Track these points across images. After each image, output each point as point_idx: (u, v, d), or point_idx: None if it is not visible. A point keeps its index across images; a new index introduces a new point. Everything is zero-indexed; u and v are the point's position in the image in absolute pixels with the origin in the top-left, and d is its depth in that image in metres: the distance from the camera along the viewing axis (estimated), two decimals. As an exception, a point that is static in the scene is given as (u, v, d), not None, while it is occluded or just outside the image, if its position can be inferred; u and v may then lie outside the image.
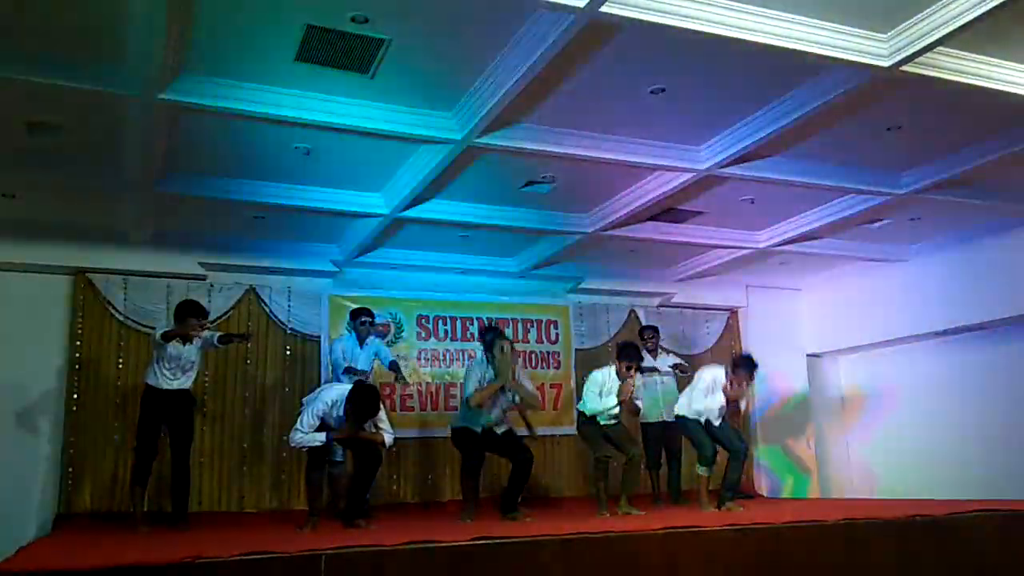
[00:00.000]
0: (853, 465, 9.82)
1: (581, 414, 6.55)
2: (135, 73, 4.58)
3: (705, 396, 6.37)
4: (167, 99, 4.82)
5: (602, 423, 6.39)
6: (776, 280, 9.80)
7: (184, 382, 6.23)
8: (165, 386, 6.14)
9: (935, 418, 8.79)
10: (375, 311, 7.21)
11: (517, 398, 6.33)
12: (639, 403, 6.57)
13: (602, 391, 6.34)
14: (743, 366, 6.32)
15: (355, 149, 5.81)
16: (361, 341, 6.92)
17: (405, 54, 4.71)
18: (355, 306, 7.31)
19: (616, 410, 6.36)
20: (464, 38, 4.56)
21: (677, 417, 6.61)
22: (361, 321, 6.92)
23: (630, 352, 6.33)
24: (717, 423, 6.41)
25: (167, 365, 6.14)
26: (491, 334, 6.36)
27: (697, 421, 6.43)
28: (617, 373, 6.33)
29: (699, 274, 9.10)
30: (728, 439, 6.37)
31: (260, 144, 5.71)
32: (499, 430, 6.28)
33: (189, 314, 6.13)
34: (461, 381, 6.97)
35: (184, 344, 6.16)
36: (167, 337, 6.04)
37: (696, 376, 6.60)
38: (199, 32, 4.41)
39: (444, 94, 5.23)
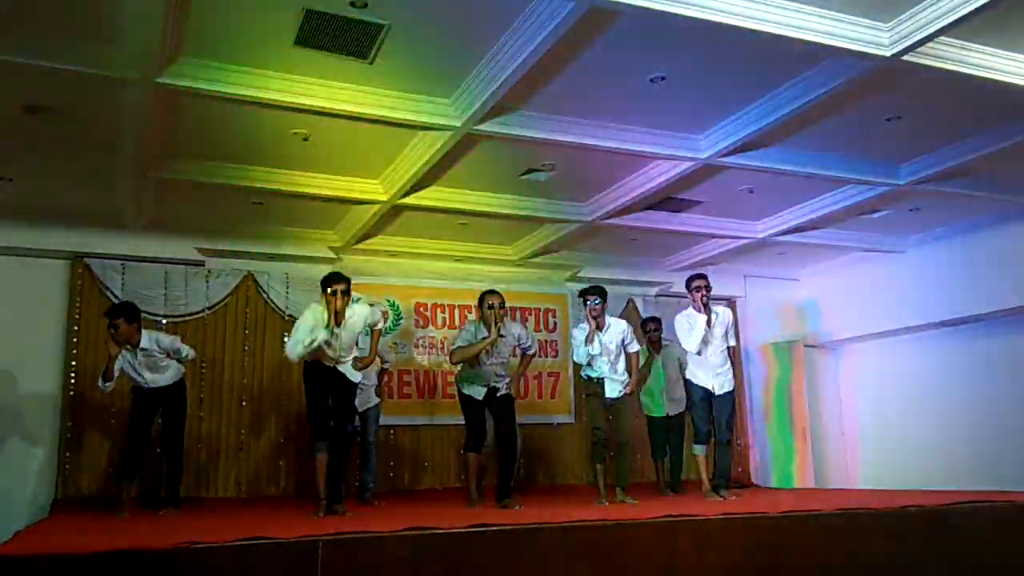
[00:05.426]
0: (849, 455, 9.84)
1: (588, 380, 6.32)
2: (133, 56, 4.56)
3: (697, 341, 6.30)
4: (165, 83, 4.80)
5: (607, 395, 6.19)
6: (774, 270, 9.81)
7: (160, 379, 6.21)
8: (145, 385, 6.19)
9: (933, 409, 8.80)
10: (373, 299, 7.16)
11: (511, 359, 6.19)
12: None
13: (583, 340, 6.20)
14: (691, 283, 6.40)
15: (354, 135, 5.80)
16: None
17: (404, 40, 4.69)
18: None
19: (610, 368, 6.19)
20: (464, 24, 4.54)
21: (689, 383, 6.53)
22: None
23: (589, 291, 6.25)
24: (723, 389, 6.33)
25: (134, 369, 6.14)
26: (483, 293, 6.18)
27: (704, 395, 6.35)
28: (588, 319, 6.23)
29: (697, 263, 9.09)
30: (721, 426, 6.34)
31: (258, 129, 5.69)
32: (499, 390, 6.09)
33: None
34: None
35: (134, 351, 6.06)
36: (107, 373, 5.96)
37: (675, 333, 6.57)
38: (197, 15, 4.38)
39: (443, 80, 5.21)
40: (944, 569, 4.46)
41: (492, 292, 6.13)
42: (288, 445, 7.75)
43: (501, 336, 6.07)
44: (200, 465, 7.43)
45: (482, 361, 6.08)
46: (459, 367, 6.30)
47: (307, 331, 5.32)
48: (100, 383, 6.04)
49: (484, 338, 6.00)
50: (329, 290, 5.35)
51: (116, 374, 5.98)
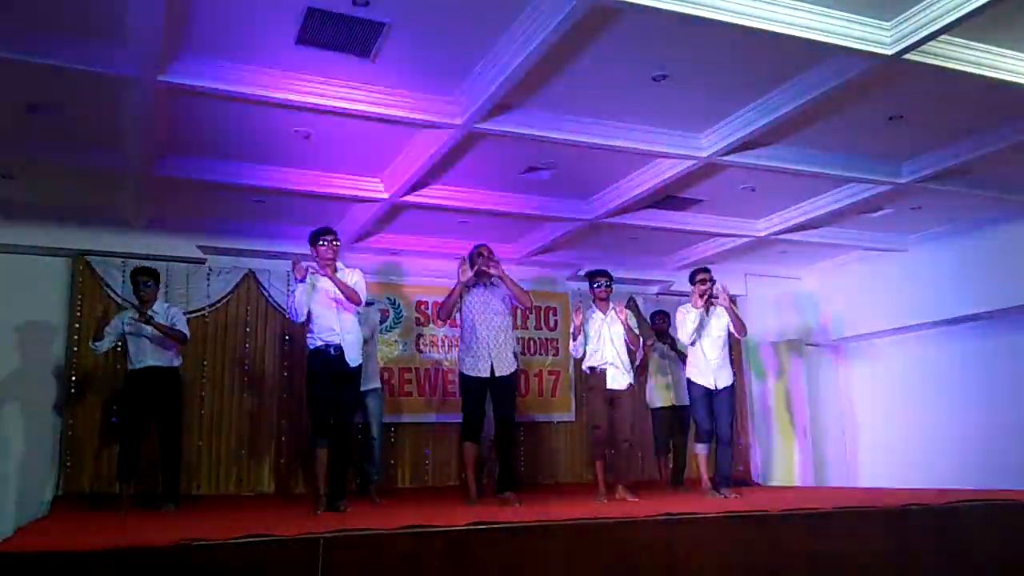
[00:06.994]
0: (850, 454, 9.84)
1: (590, 372, 6.32)
2: (134, 55, 4.56)
3: (691, 331, 6.37)
4: (167, 81, 4.80)
5: (609, 385, 6.19)
6: (776, 269, 9.80)
7: (161, 360, 6.27)
8: (138, 365, 6.24)
9: (934, 407, 8.80)
10: (375, 297, 7.12)
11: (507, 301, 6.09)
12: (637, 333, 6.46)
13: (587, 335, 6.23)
14: (692, 277, 6.49)
15: (355, 133, 5.80)
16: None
17: (406, 38, 4.69)
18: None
19: (614, 355, 6.21)
20: (465, 22, 4.54)
21: (689, 381, 6.56)
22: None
23: (595, 273, 6.37)
24: (725, 382, 6.36)
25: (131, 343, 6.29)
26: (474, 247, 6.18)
27: (703, 393, 6.37)
28: (594, 301, 6.34)
29: (698, 262, 9.06)
30: (721, 423, 6.36)
31: (260, 127, 5.69)
32: (502, 371, 6.00)
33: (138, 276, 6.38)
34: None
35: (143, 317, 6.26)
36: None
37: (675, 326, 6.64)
38: (199, 14, 4.38)
39: (445, 79, 5.21)
40: (946, 568, 4.46)
41: (481, 244, 6.20)
42: (289, 442, 7.75)
43: (492, 285, 6.06)
44: (200, 462, 7.43)
45: (477, 327, 5.98)
46: (460, 355, 6.18)
47: (302, 291, 5.40)
48: (91, 343, 6.39)
49: (463, 283, 5.93)
50: (320, 242, 5.42)
51: (113, 339, 6.32)
